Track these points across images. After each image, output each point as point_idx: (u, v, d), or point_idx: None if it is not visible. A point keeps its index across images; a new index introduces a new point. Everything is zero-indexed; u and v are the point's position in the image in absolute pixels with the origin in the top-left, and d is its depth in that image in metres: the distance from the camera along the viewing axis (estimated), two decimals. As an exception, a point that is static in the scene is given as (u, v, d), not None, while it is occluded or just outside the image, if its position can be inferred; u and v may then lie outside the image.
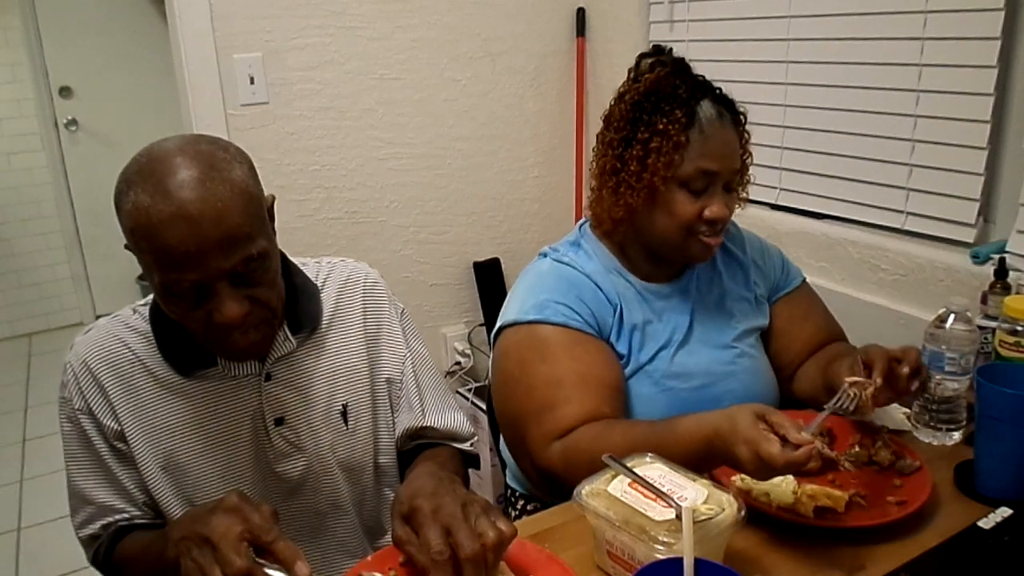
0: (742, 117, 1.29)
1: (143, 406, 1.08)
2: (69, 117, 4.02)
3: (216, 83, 2.10)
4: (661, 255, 1.33)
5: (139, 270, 4.22)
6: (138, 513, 1.11)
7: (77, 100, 4.02)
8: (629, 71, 1.32)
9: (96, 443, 1.09)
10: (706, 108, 1.23)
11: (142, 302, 1.14)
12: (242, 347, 1.03)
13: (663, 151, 1.22)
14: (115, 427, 1.08)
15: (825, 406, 1.12)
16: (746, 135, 1.30)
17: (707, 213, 1.23)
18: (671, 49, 1.32)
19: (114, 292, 4.29)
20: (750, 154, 1.32)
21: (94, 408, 1.08)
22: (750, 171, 1.33)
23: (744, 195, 1.34)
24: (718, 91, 1.27)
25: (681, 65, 1.29)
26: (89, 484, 1.10)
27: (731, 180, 1.26)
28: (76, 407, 1.09)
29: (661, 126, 1.22)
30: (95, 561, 1.13)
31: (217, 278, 0.95)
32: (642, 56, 1.32)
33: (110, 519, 1.10)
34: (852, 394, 1.12)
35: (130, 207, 0.93)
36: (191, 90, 2.09)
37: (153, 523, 1.11)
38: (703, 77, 1.29)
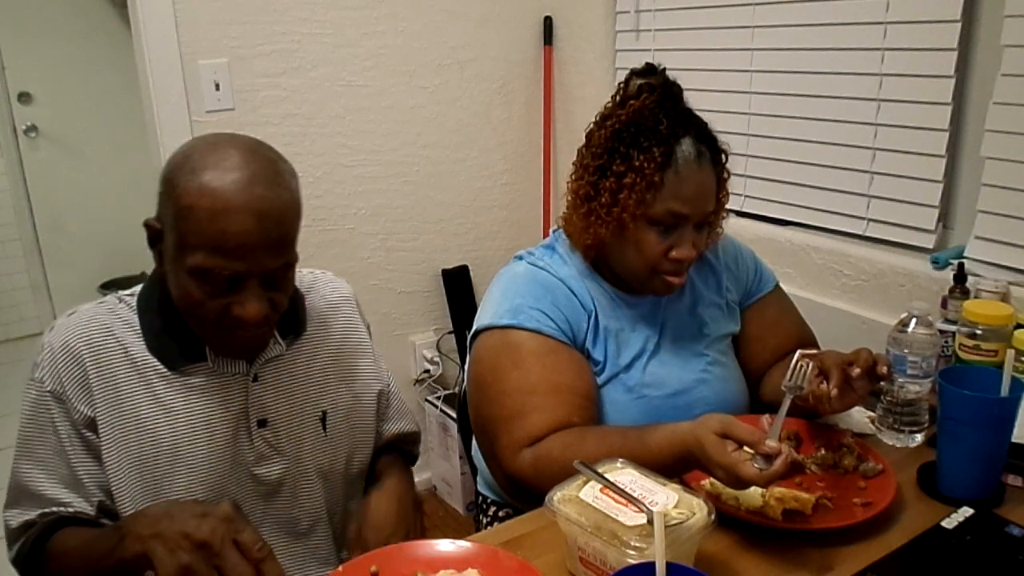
0: (723, 156, 1.27)
1: (120, 397, 1.06)
2: (28, 123, 3.93)
3: (181, 89, 2.07)
4: (626, 281, 1.33)
5: (101, 279, 4.14)
6: (87, 509, 1.06)
7: (37, 106, 3.93)
8: (617, 90, 1.28)
9: (61, 429, 1.06)
10: (685, 147, 1.20)
11: (128, 292, 1.13)
12: (244, 343, 1.05)
13: (636, 188, 1.20)
14: (88, 414, 1.05)
15: (783, 386, 1.12)
16: (725, 174, 1.28)
17: (673, 254, 1.23)
18: (664, 69, 1.27)
19: (75, 301, 4.09)
20: (727, 192, 1.30)
21: (69, 392, 1.05)
22: (728, 196, 1.31)
23: (719, 231, 1.35)
24: (703, 126, 1.25)
25: (669, 93, 1.25)
26: (38, 476, 1.06)
27: (702, 221, 1.26)
28: (47, 389, 1.05)
29: (637, 163, 1.20)
30: (16, 557, 1.08)
31: (256, 275, 0.98)
32: (632, 74, 1.28)
33: (50, 510, 1.06)
34: (803, 365, 1.14)
35: (195, 185, 0.94)
36: (155, 96, 2.06)
37: (94, 521, 1.07)
38: (689, 108, 1.25)
